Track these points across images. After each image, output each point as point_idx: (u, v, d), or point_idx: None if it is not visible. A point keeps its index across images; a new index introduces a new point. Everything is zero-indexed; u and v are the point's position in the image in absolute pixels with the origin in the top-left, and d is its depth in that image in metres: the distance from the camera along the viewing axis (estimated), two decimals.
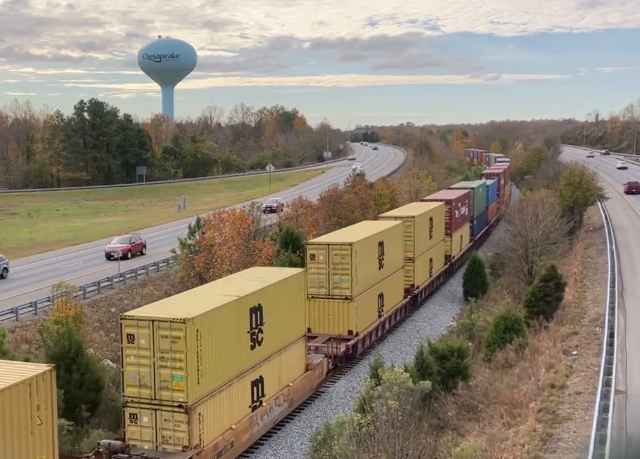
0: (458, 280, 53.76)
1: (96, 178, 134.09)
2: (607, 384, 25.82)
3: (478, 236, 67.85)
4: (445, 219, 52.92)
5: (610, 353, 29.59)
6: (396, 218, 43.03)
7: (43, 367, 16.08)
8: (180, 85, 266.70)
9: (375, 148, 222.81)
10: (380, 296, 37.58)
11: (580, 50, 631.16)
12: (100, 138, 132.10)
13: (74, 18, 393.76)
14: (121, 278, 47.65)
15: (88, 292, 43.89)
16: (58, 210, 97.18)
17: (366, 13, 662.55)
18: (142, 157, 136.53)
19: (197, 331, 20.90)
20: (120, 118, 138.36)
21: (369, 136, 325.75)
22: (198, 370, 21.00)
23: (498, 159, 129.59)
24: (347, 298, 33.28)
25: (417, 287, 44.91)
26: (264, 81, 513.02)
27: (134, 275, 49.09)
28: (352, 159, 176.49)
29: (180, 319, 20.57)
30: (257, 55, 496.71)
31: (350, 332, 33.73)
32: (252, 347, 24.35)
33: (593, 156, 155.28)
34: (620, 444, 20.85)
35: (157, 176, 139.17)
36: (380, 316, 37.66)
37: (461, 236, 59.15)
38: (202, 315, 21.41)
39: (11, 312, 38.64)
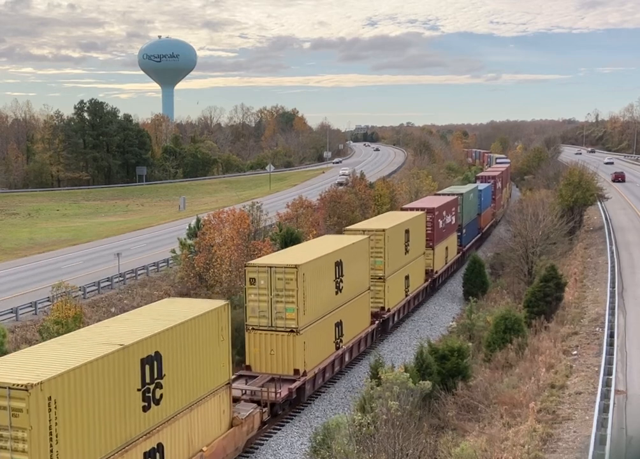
0: (458, 280, 53.77)
1: (96, 178, 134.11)
2: (607, 384, 25.81)
3: (468, 246, 62.29)
4: (427, 230, 47.89)
5: (610, 353, 29.58)
6: (364, 231, 37.65)
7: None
8: (180, 85, 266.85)
9: (377, 150, 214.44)
10: (339, 324, 32.15)
11: (580, 50, 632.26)
12: (100, 138, 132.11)
13: (74, 18, 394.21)
14: (121, 278, 47.64)
15: (88, 293, 43.89)
16: (58, 210, 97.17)
17: (365, 13, 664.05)
18: (142, 157, 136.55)
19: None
20: (120, 118, 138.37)
21: (369, 136, 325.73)
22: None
23: (498, 160, 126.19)
24: (292, 331, 27.97)
25: (389, 310, 39.37)
26: (264, 81, 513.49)
27: (134, 275, 49.09)
28: (338, 162, 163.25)
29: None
30: (258, 55, 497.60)
31: (296, 371, 28.27)
32: (145, 409, 18.81)
33: (580, 153, 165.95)
34: (620, 444, 20.85)
35: (157, 176, 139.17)
36: (338, 348, 32.18)
37: (447, 248, 53.29)
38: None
39: (11, 312, 38.64)
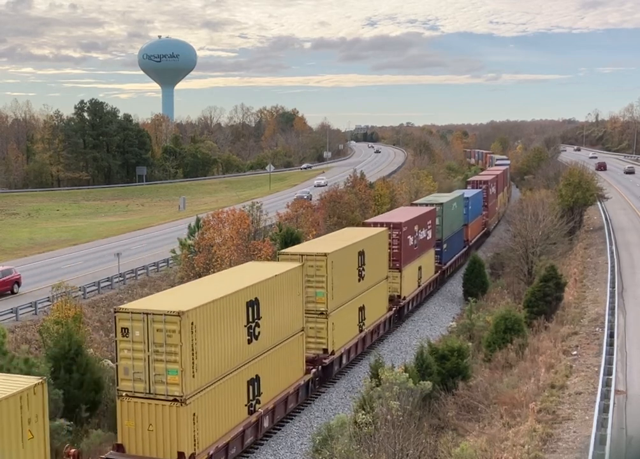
0: (458, 280, 53.77)
1: (96, 178, 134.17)
2: (607, 384, 25.82)
3: (450, 263, 54.47)
4: (393, 248, 40.40)
5: (610, 353, 29.60)
6: (302, 256, 29.68)
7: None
8: (180, 85, 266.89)
9: (377, 152, 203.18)
10: (253, 382, 24.52)
11: (580, 50, 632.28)
12: (100, 138, 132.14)
13: (74, 18, 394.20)
14: (121, 278, 47.66)
15: (88, 293, 43.89)
16: (58, 210, 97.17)
17: (365, 13, 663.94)
18: (142, 157, 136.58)
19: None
20: (120, 118, 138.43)
21: (369, 136, 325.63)
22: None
23: (496, 162, 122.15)
24: (176, 400, 20.74)
25: (333, 353, 31.32)
26: (264, 81, 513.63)
27: (134, 275, 49.10)
28: (307, 168, 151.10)
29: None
30: (258, 55, 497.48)
31: (180, 455, 20.86)
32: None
33: (565, 150, 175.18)
34: (620, 444, 20.85)
35: (157, 176, 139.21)
36: (251, 413, 24.42)
37: (420, 268, 45.24)
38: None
39: (11, 312, 38.64)
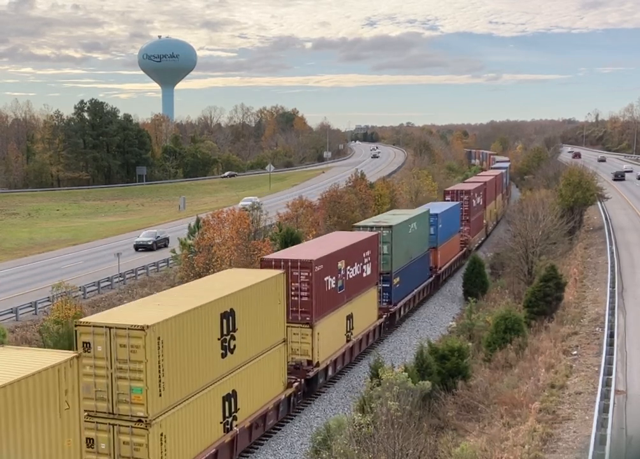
0: (458, 280, 53.74)
1: (96, 178, 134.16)
2: (607, 384, 25.83)
3: (405, 300, 42.57)
4: (301, 296, 29.37)
5: (610, 353, 29.60)
6: (108, 329, 19.32)
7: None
8: (180, 85, 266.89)
9: (375, 157, 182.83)
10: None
11: (579, 50, 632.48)
12: (100, 137, 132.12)
13: (73, 19, 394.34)
14: (121, 278, 47.68)
15: (88, 292, 43.94)
16: (58, 210, 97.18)
17: (365, 13, 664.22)
18: (142, 157, 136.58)
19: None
20: (120, 118, 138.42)
21: (369, 136, 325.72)
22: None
23: (493, 165, 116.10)
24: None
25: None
26: (264, 81, 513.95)
27: (134, 275, 49.11)
28: (231, 176, 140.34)
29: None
30: (259, 56, 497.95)
31: None
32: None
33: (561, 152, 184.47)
34: (620, 444, 20.86)
35: (157, 176, 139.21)
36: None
37: (350, 317, 33.60)
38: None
39: (11, 312, 38.66)
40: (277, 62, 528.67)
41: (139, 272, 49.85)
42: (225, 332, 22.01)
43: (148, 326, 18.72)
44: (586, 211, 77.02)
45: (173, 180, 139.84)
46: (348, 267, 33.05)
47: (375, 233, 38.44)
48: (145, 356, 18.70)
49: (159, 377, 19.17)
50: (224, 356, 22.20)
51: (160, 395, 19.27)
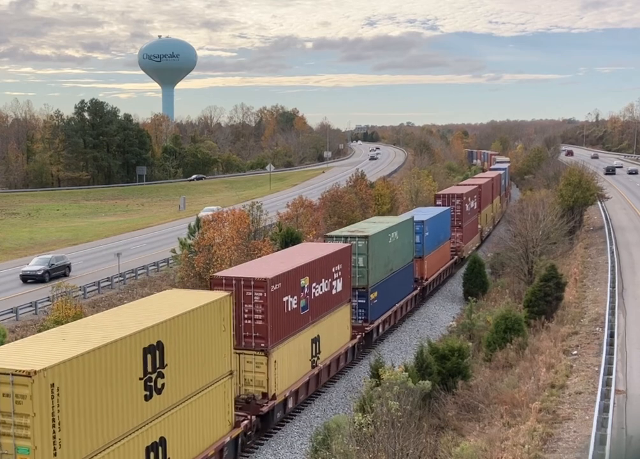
0: (458, 280, 53.74)
1: (96, 178, 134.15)
2: (607, 383, 25.82)
3: (383, 318, 38.21)
4: (255, 320, 25.61)
5: (610, 353, 29.60)
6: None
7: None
8: (180, 85, 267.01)
9: (373, 158, 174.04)
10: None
11: (579, 50, 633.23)
12: (100, 137, 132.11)
13: (73, 19, 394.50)
14: (121, 278, 47.68)
15: (88, 292, 43.95)
16: (58, 210, 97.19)
17: (364, 13, 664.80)
18: (142, 157, 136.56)
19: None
20: (120, 118, 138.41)
21: (369, 136, 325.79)
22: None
23: (492, 166, 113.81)
24: None
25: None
26: (264, 81, 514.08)
27: (134, 275, 49.12)
28: (199, 179, 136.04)
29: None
30: (259, 56, 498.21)
31: None
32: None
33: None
34: (620, 444, 20.86)
35: (157, 176, 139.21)
36: None
37: (316, 340, 29.68)
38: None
39: (11, 312, 38.67)
40: (277, 62, 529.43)
41: (139, 272, 49.88)
42: (150, 369, 18.19)
43: (36, 372, 14.80)
44: (586, 211, 77.01)
45: (173, 180, 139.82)
46: (313, 284, 29.11)
47: (347, 244, 34.30)
48: (32, 409, 14.87)
49: (54, 432, 15.41)
50: (148, 397, 18.41)
51: (55, 455, 15.46)
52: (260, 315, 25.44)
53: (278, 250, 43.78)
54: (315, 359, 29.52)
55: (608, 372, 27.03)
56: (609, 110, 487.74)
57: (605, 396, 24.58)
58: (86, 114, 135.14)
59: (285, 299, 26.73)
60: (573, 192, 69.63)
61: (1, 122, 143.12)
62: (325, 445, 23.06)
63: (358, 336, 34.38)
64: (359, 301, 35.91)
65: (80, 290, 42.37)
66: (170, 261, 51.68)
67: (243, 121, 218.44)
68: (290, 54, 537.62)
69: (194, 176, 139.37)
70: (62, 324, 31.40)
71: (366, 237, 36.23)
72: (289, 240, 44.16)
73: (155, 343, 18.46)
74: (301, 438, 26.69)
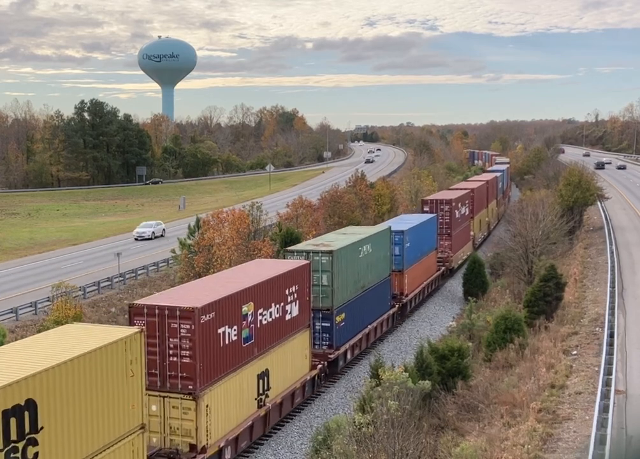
0: (458, 280, 53.75)
1: (96, 178, 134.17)
2: (607, 384, 25.82)
3: (352, 343, 34.00)
4: (181, 358, 21.64)
5: (610, 353, 29.60)
6: None
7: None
8: (180, 85, 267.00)
9: (369, 161, 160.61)
10: None
11: (579, 50, 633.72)
12: (100, 137, 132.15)
13: (73, 19, 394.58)
14: (121, 278, 47.67)
15: (88, 292, 43.92)
16: (58, 210, 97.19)
17: (364, 13, 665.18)
18: (142, 157, 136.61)
19: None
20: (120, 118, 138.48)
21: (369, 136, 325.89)
22: None
23: (490, 167, 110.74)
24: None
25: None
26: (263, 81, 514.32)
27: (134, 275, 49.10)
28: (156, 183, 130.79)
29: None
30: (260, 56, 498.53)
31: None
32: None
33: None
34: (620, 444, 20.87)
35: (157, 176, 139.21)
36: None
37: (263, 375, 25.49)
38: None
39: (11, 312, 38.64)
40: (277, 62, 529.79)
41: (139, 272, 49.85)
42: (15, 437, 14.18)
43: None
44: (586, 211, 77.03)
45: (173, 180, 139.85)
46: (260, 310, 25.00)
47: (304, 262, 29.66)
48: None
49: None
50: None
51: None
52: (187, 352, 21.35)
53: (278, 250, 43.78)
54: (263, 397, 25.37)
55: (608, 372, 27.03)
56: (609, 110, 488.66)
57: (605, 396, 24.58)
58: (86, 114, 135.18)
59: (221, 330, 22.45)
60: (573, 192, 69.64)
61: (1, 122, 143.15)
62: (325, 446, 23.07)
63: (319, 366, 30.21)
64: (323, 324, 31.72)
65: (80, 290, 42.35)
66: (170, 261, 51.68)
67: (243, 121, 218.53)
68: (290, 54, 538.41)
69: (149, 181, 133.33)
70: (62, 324, 31.44)
71: (330, 252, 31.74)
72: (288, 240, 44.16)
73: (22, 403, 14.31)
74: (301, 438, 26.69)
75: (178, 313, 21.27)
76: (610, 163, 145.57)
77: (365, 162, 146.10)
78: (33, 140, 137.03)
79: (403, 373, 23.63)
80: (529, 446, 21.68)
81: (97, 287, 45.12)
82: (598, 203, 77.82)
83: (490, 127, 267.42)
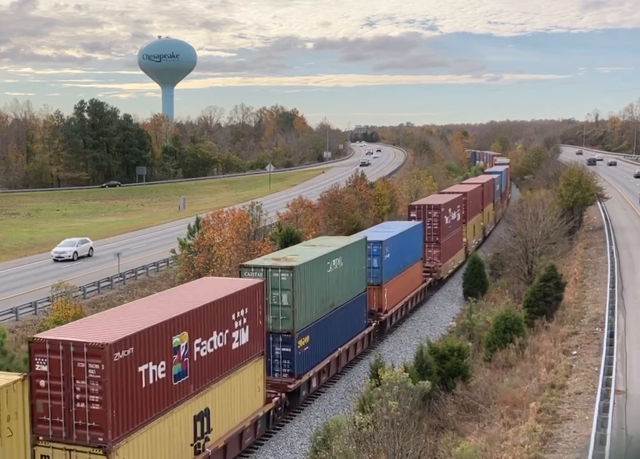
0: (458, 280, 53.74)
1: (96, 178, 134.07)
2: (607, 384, 25.83)
3: (318, 369, 30.15)
4: (91, 401, 17.67)
5: (610, 353, 29.60)
6: None
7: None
8: (180, 85, 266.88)
9: (364, 164, 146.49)
10: None
11: (579, 50, 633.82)
12: (100, 138, 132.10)
13: (73, 19, 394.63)
14: (121, 278, 47.69)
15: (88, 293, 43.95)
16: (58, 210, 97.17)
17: (364, 13, 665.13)
18: (142, 157, 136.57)
19: None
20: (120, 118, 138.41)
21: (369, 136, 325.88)
22: None
23: (489, 169, 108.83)
24: None
25: None
26: (263, 81, 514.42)
27: (134, 275, 49.12)
28: (114, 185, 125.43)
29: None
30: (260, 56, 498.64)
31: None
32: None
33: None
34: (620, 444, 20.87)
35: (157, 176, 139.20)
36: None
37: (201, 417, 21.52)
38: None
39: (11, 312, 38.66)
40: (277, 62, 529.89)
41: (139, 272, 49.87)
42: None
43: None
44: (586, 211, 77.04)
45: (173, 180, 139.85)
46: (198, 340, 20.97)
47: (257, 281, 25.39)
48: None
49: None
50: None
51: None
52: (96, 397, 17.47)
53: (277, 250, 43.70)
54: (202, 441, 21.32)
55: (608, 372, 27.03)
56: (609, 110, 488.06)
57: (605, 396, 24.58)
58: (86, 114, 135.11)
59: (142, 368, 18.58)
60: (573, 193, 69.65)
61: (1, 122, 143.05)
62: (325, 446, 23.05)
63: (276, 399, 26.26)
64: (283, 349, 27.91)
65: (80, 290, 42.36)
66: (170, 261, 51.68)
67: (243, 121, 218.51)
68: (290, 54, 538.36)
69: (106, 184, 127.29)
70: (62, 324, 31.44)
71: (291, 268, 27.67)
72: (288, 240, 44.13)
73: None
74: (301, 439, 26.68)
75: (85, 350, 17.39)
76: (602, 160, 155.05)
77: (360, 166, 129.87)
78: (33, 140, 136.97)
79: (403, 373, 23.62)
80: (529, 446, 21.69)
81: (97, 287, 45.15)
82: (598, 203, 77.84)
83: (490, 127, 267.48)
